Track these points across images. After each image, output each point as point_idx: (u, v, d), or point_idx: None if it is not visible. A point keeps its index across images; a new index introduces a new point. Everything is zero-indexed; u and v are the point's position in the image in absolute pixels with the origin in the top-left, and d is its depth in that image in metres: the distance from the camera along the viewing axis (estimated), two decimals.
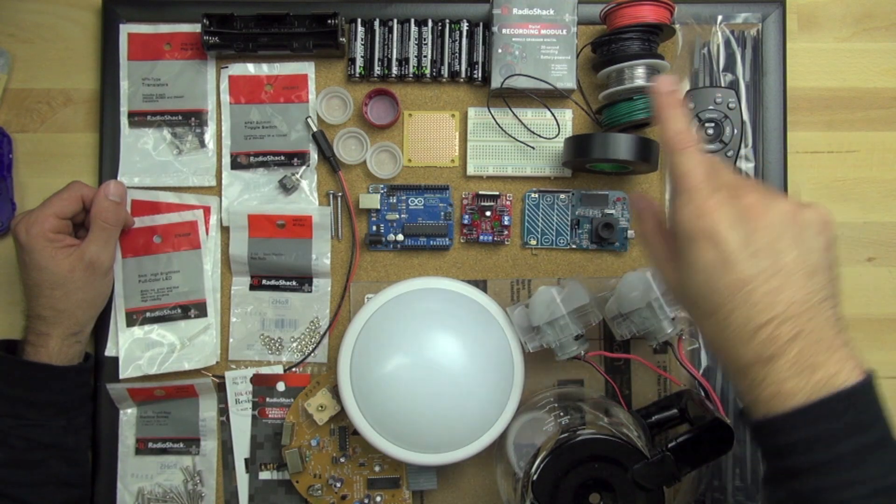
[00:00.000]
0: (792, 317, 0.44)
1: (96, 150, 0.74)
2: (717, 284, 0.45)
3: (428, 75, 0.72)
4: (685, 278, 0.47)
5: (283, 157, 0.73)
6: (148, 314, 0.72)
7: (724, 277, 0.45)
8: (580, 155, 0.67)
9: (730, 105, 0.69)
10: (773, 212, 0.46)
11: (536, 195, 0.73)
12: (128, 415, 0.73)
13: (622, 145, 0.65)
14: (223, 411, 0.73)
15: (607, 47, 0.69)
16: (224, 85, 0.73)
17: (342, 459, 0.70)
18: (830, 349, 0.44)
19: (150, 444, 0.73)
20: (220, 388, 0.73)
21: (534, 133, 0.72)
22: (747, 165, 0.71)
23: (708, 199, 0.46)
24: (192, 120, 0.73)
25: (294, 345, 0.73)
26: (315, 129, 0.72)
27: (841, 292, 0.47)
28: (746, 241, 0.45)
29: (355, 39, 0.72)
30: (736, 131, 0.69)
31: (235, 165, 0.73)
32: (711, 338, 0.47)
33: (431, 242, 0.72)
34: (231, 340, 0.73)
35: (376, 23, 0.72)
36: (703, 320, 0.47)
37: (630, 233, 0.72)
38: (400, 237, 0.72)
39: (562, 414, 0.64)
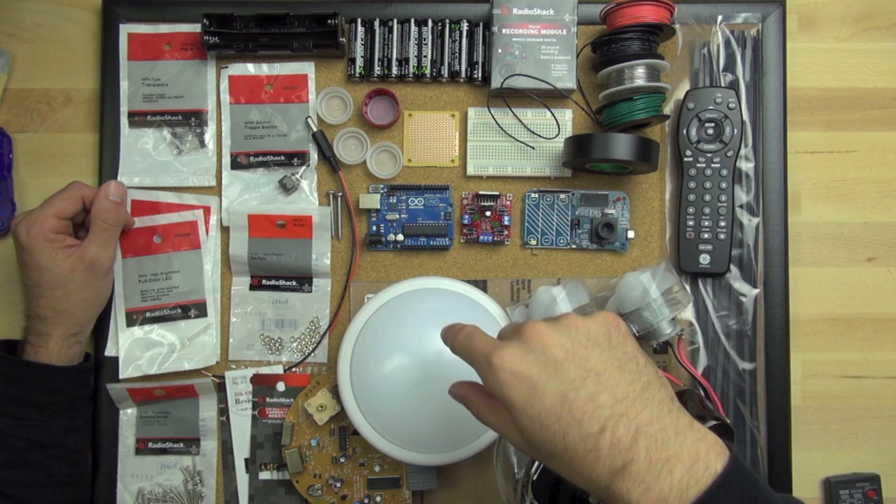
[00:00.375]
0: (623, 414, 0.42)
1: (96, 150, 0.74)
2: (541, 415, 0.44)
3: (428, 75, 0.72)
4: (521, 429, 0.45)
5: (283, 157, 0.73)
6: (148, 314, 0.72)
7: (542, 405, 0.44)
8: (580, 155, 0.67)
9: (730, 105, 0.69)
10: (557, 329, 0.46)
11: (536, 195, 0.73)
12: (128, 415, 0.73)
13: (622, 145, 0.65)
14: (223, 411, 0.73)
15: (607, 47, 0.69)
16: (224, 85, 0.73)
17: (342, 459, 0.71)
18: (679, 435, 0.42)
19: (150, 444, 0.73)
20: (220, 388, 0.73)
21: (534, 133, 0.72)
22: (747, 165, 0.71)
23: (494, 351, 0.46)
24: (192, 120, 0.73)
25: (294, 345, 0.73)
26: (315, 129, 0.72)
27: (663, 376, 0.46)
28: (544, 362, 0.44)
29: (355, 39, 0.72)
30: (736, 131, 0.69)
31: (235, 165, 0.73)
32: (569, 474, 0.45)
33: (431, 242, 0.72)
34: (231, 340, 0.73)
35: (376, 23, 0.72)
36: (552, 461, 0.45)
37: (630, 233, 0.72)
38: (400, 237, 0.72)
39: None
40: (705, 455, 0.42)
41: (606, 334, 0.46)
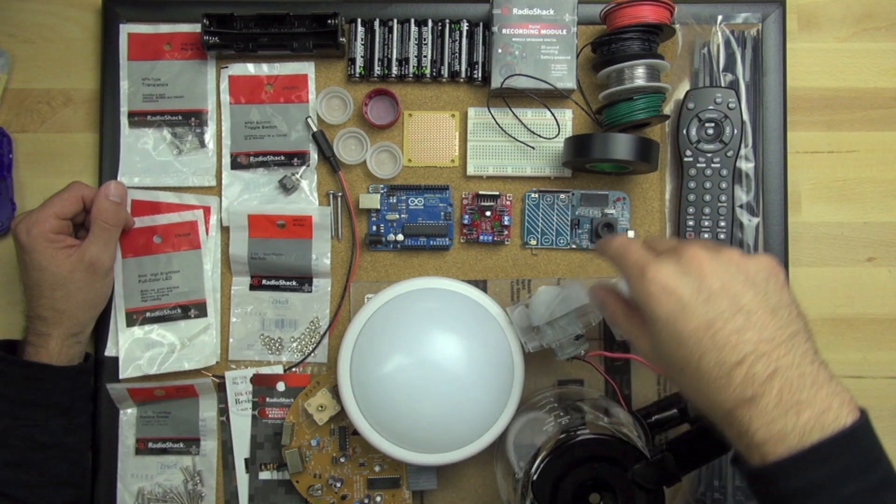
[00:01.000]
0: (764, 354, 0.44)
1: (96, 150, 0.74)
2: (682, 334, 0.45)
3: (428, 75, 0.72)
4: (654, 340, 0.47)
5: (283, 157, 0.73)
6: (148, 314, 0.72)
7: (687, 324, 0.45)
8: (580, 155, 0.67)
9: (730, 105, 0.69)
10: (717, 260, 0.47)
11: (536, 195, 0.73)
12: (128, 415, 0.73)
13: (622, 145, 0.65)
14: (223, 411, 0.73)
15: (607, 47, 0.69)
16: (224, 85, 0.73)
17: (342, 459, 0.71)
18: (815, 385, 0.43)
19: (150, 444, 0.73)
20: (220, 388, 0.73)
21: (534, 133, 0.72)
22: (747, 165, 0.71)
23: (650, 261, 0.48)
24: (192, 120, 0.73)
25: (294, 345, 0.73)
26: (315, 129, 0.72)
27: (812, 331, 0.46)
28: (698, 288, 0.46)
29: (355, 39, 0.72)
30: (736, 131, 0.69)
31: (235, 165, 0.73)
32: (692, 392, 0.46)
33: (431, 242, 0.72)
34: (231, 340, 0.73)
35: (376, 23, 0.72)
36: (679, 376, 0.47)
37: (630, 233, 0.72)
38: (400, 237, 0.72)
39: (562, 414, 0.64)
40: (837, 408, 0.43)
41: (765, 278, 0.47)
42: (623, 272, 0.50)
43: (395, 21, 0.72)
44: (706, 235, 0.70)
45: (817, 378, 0.44)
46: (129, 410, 0.73)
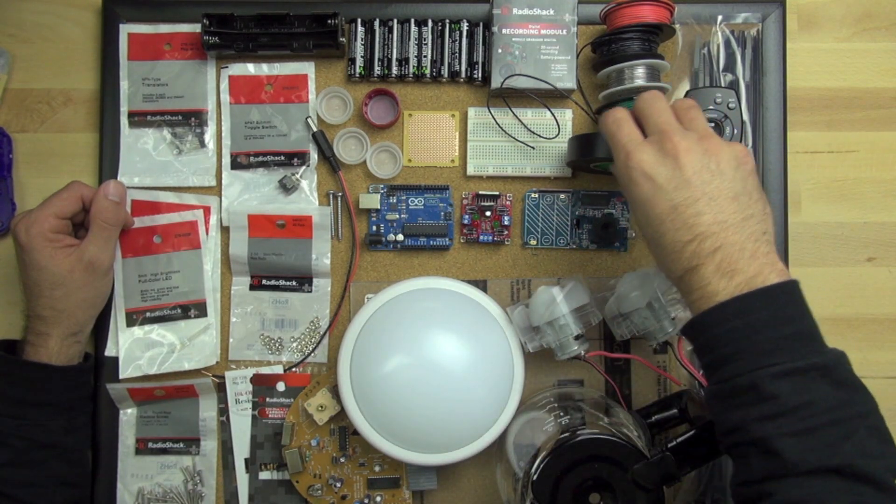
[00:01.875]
0: (714, 233, 0.51)
1: (96, 150, 0.74)
2: (651, 214, 0.53)
3: (428, 75, 0.72)
4: (634, 217, 0.56)
5: (283, 157, 0.73)
6: (148, 314, 0.72)
7: (656, 207, 0.53)
8: (585, 154, 0.66)
9: (730, 105, 0.69)
10: (693, 150, 0.53)
11: (536, 195, 0.73)
12: (128, 415, 0.73)
13: None
14: (223, 411, 0.73)
15: (607, 47, 0.69)
16: (224, 85, 0.73)
17: (342, 459, 0.71)
18: (753, 258, 0.50)
19: (150, 444, 0.73)
20: (220, 388, 0.73)
21: (534, 133, 0.72)
22: None
23: (636, 147, 0.54)
24: (192, 120, 0.73)
25: (294, 345, 0.73)
26: (315, 129, 0.72)
27: (769, 214, 0.53)
28: (671, 175, 0.53)
29: (355, 39, 0.72)
30: (736, 131, 0.69)
31: (235, 165, 0.73)
32: (657, 259, 0.55)
33: (431, 242, 0.72)
34: (231, 340, 0.73)
35: (376, 23, 0.72)
36: (651, 246, 0.55)
37: (630, 233, 0.72)
38: (400, 237, 0.72)
39: (562, 414, 0.64)
40: (767, 274, 0.50)
41: (735, 167, 0.53)
42: (612, 149, 0.57)
43: (395, 21, 0.72)
44: None
45: (756, 252, 0.51)
46: (129, 410, 0.73)
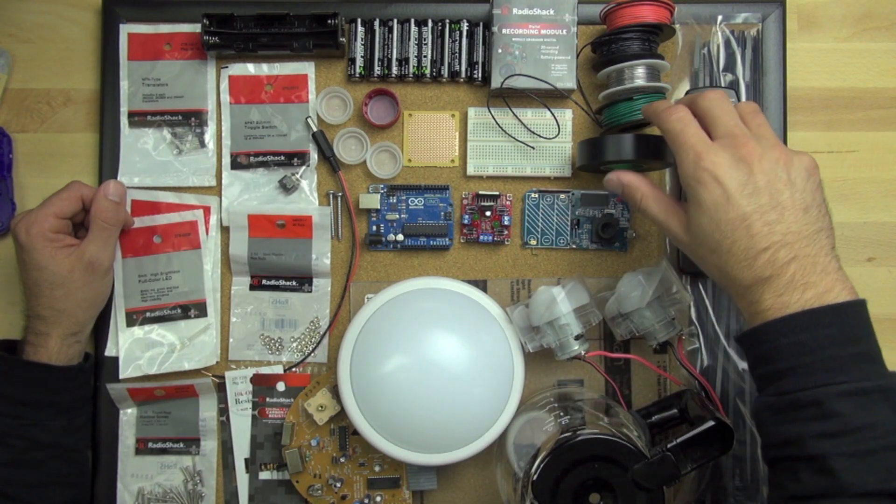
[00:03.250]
0: (789, 243, 0.50)
1: (96, 150, 0.74)
2: (722, 220, 0.52)
3: (428, 75, 0.72)
4: (693, 220, 0.54)
5: (283, 157, 0.73)
6: (148, 314, 0.72)
7: (727, 213, 0.51)
8: (596, 158, 0.65)
9: None
10: (767, 158, 0.52)
11: (536, 195, 0.73)
12: (128, 415, 0.73)
13: (629, 147, 0.64)
14: (223, 411, 0.73)
15: (607, 47, 0.69)
16: (224, 85, 0.73)
17: (342, 459, 0.71)
18: (825, 272, 0.50)
19: (150, 444, 0.73)
20: (220, 388, 0.73)
21: (534, 133, 0.72)
22: None
23: (707, 149, 0.53)
24: (192, 120, 0.73)
25: (294, 345, 0.73)
26: (315, 129, 0.72)
27: (833, 230, 0.53)
28: (745, 182, 0.52)
29: (355, 39, 0.72)
30: None
31: (235, 165, 0.73)
32: (717, 270, 0.53)
33: (431, 242, 0.72)
34: (231, 340, 0.73)
35: (376, 23, 0.72)
36: (709, 255, 0.53)
37: (630, 233, 0.72)
38: (400, 237, 0.72)
39: (562, 414, 0.64)
40: (838, 291, 0.50)
41: (805, 178, 0.53)
42: (676, 149, 0.55)
43: (395, 21, 0.72)
44: None
45: (828, 268, 0.50)
46: (129, 410, 0.73)
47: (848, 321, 0.49)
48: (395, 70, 0.72)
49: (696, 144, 0.54)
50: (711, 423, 0.58)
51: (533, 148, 0.72)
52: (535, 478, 0.57)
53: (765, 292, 0.50)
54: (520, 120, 0.72)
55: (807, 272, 0.50)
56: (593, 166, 0.69)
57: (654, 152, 0.65)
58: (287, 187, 0.72)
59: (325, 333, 0.73)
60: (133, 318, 0.72)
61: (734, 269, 0.52)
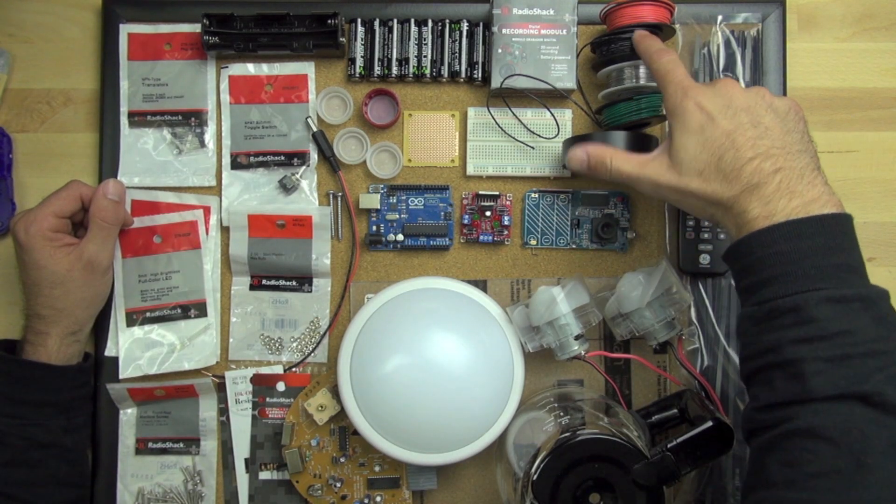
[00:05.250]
0: (773, 156, 0.52)
1: (96, 150, 0.74)
2: (708, 139, 0.54)
3: (428, 75, 0.72)
4: (679, 146, 0.55)
5: (283, 157, 0.73)
6: (148, 314, 0.72)
7: (713, 132, 0.54)
8: None
9: None
10: (746, 91, 0.55)
11: (536, 195, 0.73)
12: (128, 415, 0.73)
13: (620, 143, 0.65)
14: (223, 411, 0.73)
15: (607, 47, 0.69)
16: (224, 85, 0.73)
17: (342, 459, 0.70)
18: (812, 185, 0.51)
19: (150, 444, 0.73)
20: (220, 388, 0.73)
21: (534, 133, 0.72)
22: None
23: (690, 84, 0.56)
24: (192, 120, 0.73)
25: (294, 345, 0.73)
26: (315, 129, 0.72)
27: (815, 155, 0.54)
28: (725, 106, 0.54)
29: (355, 39, 0.72)
30: None
31: (235, 165, 0.73)
32: (703, 194, 0.54)
33: (431, 242, 0.72)
34: (231, 340, 0.73)
35: (376, 23, 0.72)
36: (696, 180, 0.55)
37: (630, 233, 0.72)
38: (400, 237, 0.72)
39: (562, 414, 0.64)
40: (824, 203, 0.50)
41: (786, 110, 0.55)
42: (664, 86, 0.58)
43: (395, 21, 0.72)
44: (706, 235, 0.70)
45: (814, 181, 0.51)
46: (129, 410, 0.73)
47: (832, 232, 0.50)
48: (395, 70, 0.72)
49: (682, 81, 0.57)
50: (711, 423, 0.58)
51: (533, 148, 0.72)
52: (535, 478, 0.57)
53: (751, 201, 0.52)
54: (519, 120, 0.72)
55: (792, 182, 0.51)
56: None
57: (641, 150, 0.65)
58: (287, 187, 0.72)
59: (325, 333, 0.73)
60: (133, 318, 0.72)
61: (721, 186, 0.53)
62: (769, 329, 0.50)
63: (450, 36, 0.72)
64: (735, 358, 0.71)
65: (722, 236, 0.70)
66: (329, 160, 0.72)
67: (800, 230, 0.49)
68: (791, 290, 0.49)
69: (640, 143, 0.65)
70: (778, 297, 0.49)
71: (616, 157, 0.60)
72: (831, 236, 0.50)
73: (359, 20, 0.72)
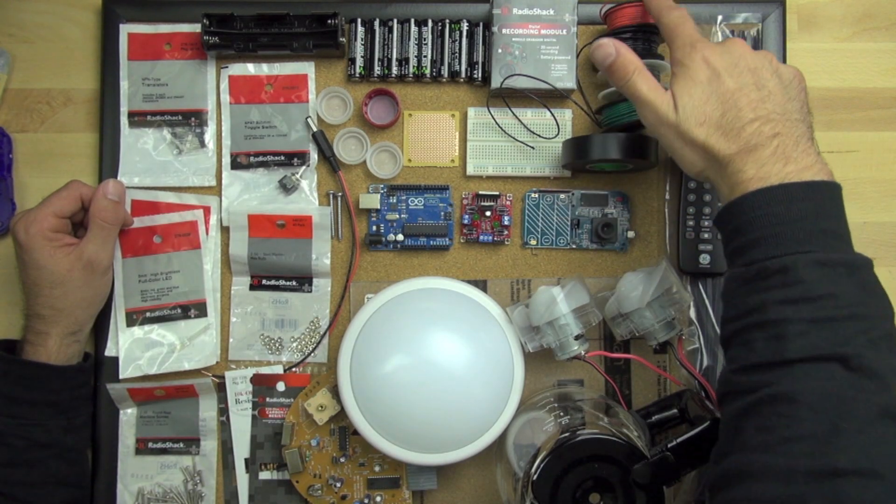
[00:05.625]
0: (773, 120, 0.53)
1: (96, 150, 0.74)
2: (713, 94, 0.54)
3: (428, 75, 0.72)
4: (684, 93, 0.55)
5: (283, 157, 0.73)
6: (148, 314, 0.72)
7: (719, 87, 0.54)
8: (579, 157, 0.67)
9: None
10: (756, 56, 0.55)
11: (536, 195, 0.73)
12: (128, 415, 0.73)
13: (619, 144, 0.65)
14: (223, 411, 0.73)
15: None
16: (224, 85, 0.73)
17: (342, 459, 0.70)
18: (806, 153, 0.52)
19: (150, 444, 0.73)
20: (220, 388, 0.73)
21: (533, 133, 0.72)
22: None
23: (699, 38, 0.56)
24: (192, 120, 0.73)
25: (294, 345, 0.73)
26: (315, 129, 0.72)
27: (812, 128, 0.54)
28: (733, 65, 0.55)
29: (355, 39, 0.72)
30: None
31: (235, 165, 0.73)
32: (700, 145, 0.54)
33: (431, 242, 0.72)
34: (231, 340, 0.73)
35: (376, 23, 0.72)
36: (695, 129, 0.54)
37: (630, 233, 0.72)
38: (400, 237, 0.72)
39: (562, 414, 0.64)
40: (817, 171, 0.51)
41: (790, 79, 0.55)
42: (671, 39, 0.58)
43: (395, 21, 0.72)
44: (706, 235, 0.70)
45: (808, 150, 0.52)
46: (129, 410, 0.73)
47: (823, 198, 0.50)
48: (395, 70, 0.72)
49: (691, 35, 0.57)
50: (711, 423, 0.58)
51: (533, 148, 0.72)
52: (535, 478, 0.57)
53: (748, 162, 0.52)
54: (519, 120, 0.72)
55: (788, 148, 0.52)
56: (580, 165, 0.69)
57: (640, 152, 0.65)
58: (287, 187, 0.72)
59: (325, 333, 0.73)
60: (133, 318, 0.72)
61: (720, 141, 0.53)
62: (755, 290, 0.50)
63: (450, 36, 0.72)
64: None
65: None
66: (329, 160, 0.72)
67: (792, 194, 0.50)
68: (780, 252, 0.49)
69: (640, 143, 0.66)
70: (767, 259, 0.50)
71: (640, 74, 0.58)
72: (822, 202, 0.50)
73: (359, 20, 0.72)
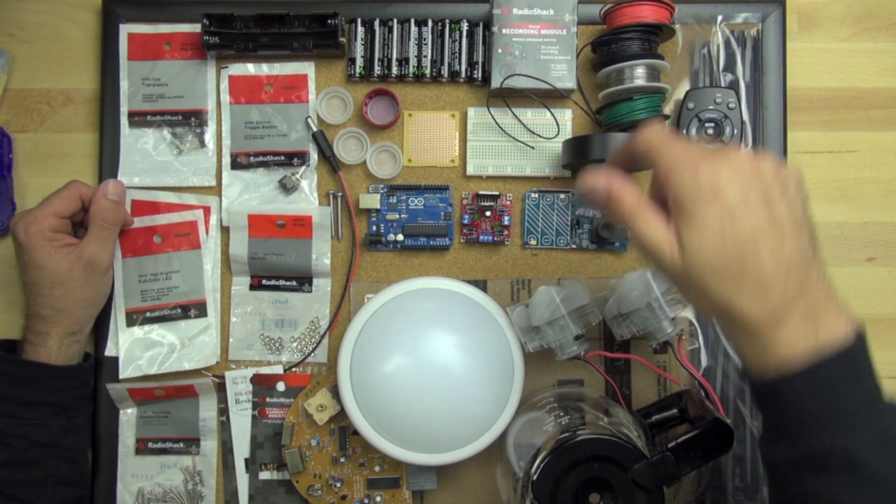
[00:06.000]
0: (794, 266, 0.46)
1: (96, 150, 0.74)
2: (728, 241, 0.45)
3: (428, 75, 0.72)
4: (692, 241, 0.46)
5: (283, 157, 0.73)
6: (148, 314, 0.72)
7: (731, 231, 0.45)
8: (580, 157, 0.67)
9: (730, 105, 0.69)
10: (760, 167, 0.47)
11: (536, 195, 0.73)
12: (128, 415, 0.73)
13: (621, 144, 0.65)
14: (223, 411, 0.73)
15: (607, 47, 0.69)
16: (224, 85, 0.73)
17: (342, 459, 0.70)
18: (829, 298, 0.47)
19: (150, 444, 0.73)
20: (220, 388, 0.73)
21: (533, 133, 0.72)
22: None
23: (700, 160, 0.46)
24: (192, 120, 0.73)
25: (294, 345, 0.73)
26: (315, 129, 0.72)
27: (818, 248, 0.49)
28: (744, 194, 0.46)
29: (355, 39, 0.72)
30: (736, 131, 0.69)
31: (235, 165, 0.73)
32: (720, 297, 0.47)
33: (431, 242, 0.72)
34: (231, 340, 0.73)
35: (376, 23, 0.72)
36: (712, 280, 0.46)
37: (630, 233, 0.72)
38: (400, 237, 0.72)
39: (562, 414, 0.64)
40: (843, 326, 0.46)
41: (794, 189, 0.48)
42: (662, 166, 0.48)
43: (395, 21, 0.72)
44: None
45: (829, 293, 0.47)
46: (129, 410, 0.73)
47: (856, 358, 0.47)
48: (395, 70, 0.72)
49: (686, 153, 0.47)
50: (711, 423, 0.58)
51: (533, 148, 0.72)
52: (535, 478, 0.57)
53: (777, 337, 0.46)
54: (519, 120, 0.72)
55: (814, 300, 0.46)
56: (579, 165, 0.69)
57: None
58: (287, 187, 0.72)
59: (325, 333, 0.73)
60: (133, 318, 0.72)
61: (743, 301, 0.46)
62: (814, 473, 0.46)
63: (450, 36, 0.72)
64: (735, 358, 0.71)
65: None
66: (329, 160, 0.72)
67: (836, 370, 0.46)
68: (836, 435, 0.45)
69: None
70: (821, 444, 0.46)
71: (637, 215, 0.49)
72: (858, 360, 0.47)
73: (359, 20, 0.72)
